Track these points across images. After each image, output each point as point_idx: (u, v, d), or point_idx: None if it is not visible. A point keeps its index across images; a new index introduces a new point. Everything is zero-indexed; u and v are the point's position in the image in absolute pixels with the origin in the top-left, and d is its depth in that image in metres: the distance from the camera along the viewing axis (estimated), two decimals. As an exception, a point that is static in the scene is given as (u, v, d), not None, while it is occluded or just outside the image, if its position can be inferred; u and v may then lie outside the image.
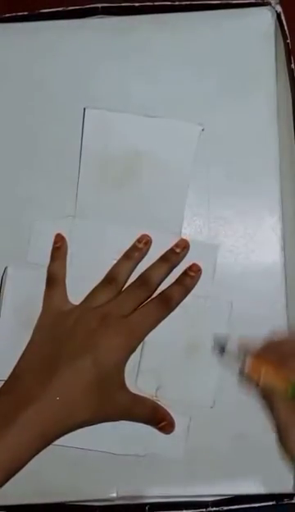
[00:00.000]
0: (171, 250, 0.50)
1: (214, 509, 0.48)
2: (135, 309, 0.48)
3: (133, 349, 0.48)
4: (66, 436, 0.46)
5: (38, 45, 0.54)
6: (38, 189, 0.52)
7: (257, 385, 0.44)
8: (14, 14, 0.54)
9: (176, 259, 0.50)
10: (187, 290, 0.49)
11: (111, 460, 0.48)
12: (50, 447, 0.46)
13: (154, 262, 0.50)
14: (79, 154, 0.52)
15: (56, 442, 0.46)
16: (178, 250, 0.50)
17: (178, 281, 0.49)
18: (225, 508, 0.48)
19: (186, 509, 0.48)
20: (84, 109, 0.52)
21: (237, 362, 0.46)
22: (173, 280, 0.50)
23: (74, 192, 0.51)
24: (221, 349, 0.47)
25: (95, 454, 0.49)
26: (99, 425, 0.47)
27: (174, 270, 0.50)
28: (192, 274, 0.49)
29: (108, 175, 0.52)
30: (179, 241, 0.50)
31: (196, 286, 0.50)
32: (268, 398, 0.45)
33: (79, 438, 0.47)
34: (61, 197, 0.52)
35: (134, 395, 0.48)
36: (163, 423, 0.48)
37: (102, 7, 0.53)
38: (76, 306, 0.49)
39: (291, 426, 0.43)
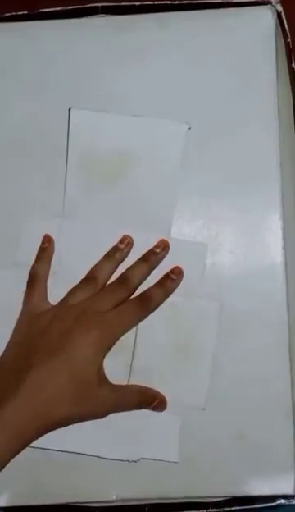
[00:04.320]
0: (151, 251, 0.50)
1: (214, 510, 0.48)
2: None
3: (109, 347, 0.47)
4: (58, 440, 0.46)
5: (38, 45, 0.54)
6: (27, 190, 0.52)
7: None
8: (14, 13, 0.54)
9: (156, 259, 0.50)
10: (166, 293, 0.49)
11: (110, 462, 0.48)
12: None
13: (134, 262, 0.50)
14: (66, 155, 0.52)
15: (49, 447, 0.46)
16: (157, 251, 0.50)
17: (158, 283, 0.49)
18: (226, 509, 0.48)
19: (186, 509, 0.48)
20: (69, 109, 0.52)
21: None
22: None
23: (63, 193, 0.51)
24: None
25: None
26: (92, 429, 0.47)
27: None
28: (173, 277, 0.49)
29: (95, 175, 0.51)
30: (158, 242, 0.50)
31: (189, 286, 0.49)
32: None
33: (71, 442, 0.47)
34: (49, 198, 0.51)
35: (116, 386, 0.47)
36: (155, 402, 0.48)
37: (101, 7, 0.54)
38: (53, 306, 0.49)
39: None
